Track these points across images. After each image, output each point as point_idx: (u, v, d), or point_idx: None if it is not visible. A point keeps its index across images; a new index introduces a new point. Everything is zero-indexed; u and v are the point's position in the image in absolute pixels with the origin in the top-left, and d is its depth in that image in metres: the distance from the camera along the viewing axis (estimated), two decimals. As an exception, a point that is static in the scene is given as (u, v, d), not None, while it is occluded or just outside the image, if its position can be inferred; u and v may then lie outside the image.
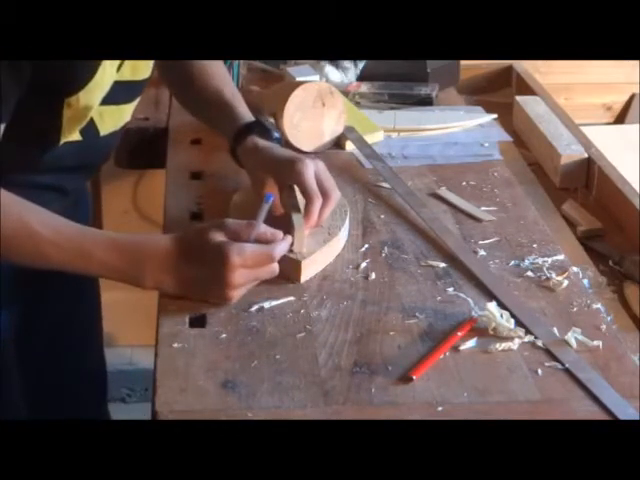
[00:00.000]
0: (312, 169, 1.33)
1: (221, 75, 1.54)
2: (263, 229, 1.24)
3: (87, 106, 1.27)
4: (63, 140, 1.30)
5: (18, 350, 1.46)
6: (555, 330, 1.20)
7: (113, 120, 1.36)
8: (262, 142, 1.42)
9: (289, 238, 1.26)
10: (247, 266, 1.20)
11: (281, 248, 1.24)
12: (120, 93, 1.32)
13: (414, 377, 1.11)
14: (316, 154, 1.63)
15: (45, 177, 1.35)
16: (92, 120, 1.32)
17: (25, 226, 1.19)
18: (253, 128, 1.44)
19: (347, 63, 1.87)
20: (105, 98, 1.29)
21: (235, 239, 1.21)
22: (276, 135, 1.46)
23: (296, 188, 1.35)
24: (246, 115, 1.47)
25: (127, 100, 1.37)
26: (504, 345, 1.17)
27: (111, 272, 1.21)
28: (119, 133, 1.40)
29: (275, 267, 1.23)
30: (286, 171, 1.35)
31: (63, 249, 1.20)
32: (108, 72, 1.26)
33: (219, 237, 1.21)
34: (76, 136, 1.32)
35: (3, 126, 1.19)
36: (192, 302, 1.23)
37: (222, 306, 1.22)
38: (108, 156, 1.45)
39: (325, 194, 1.33)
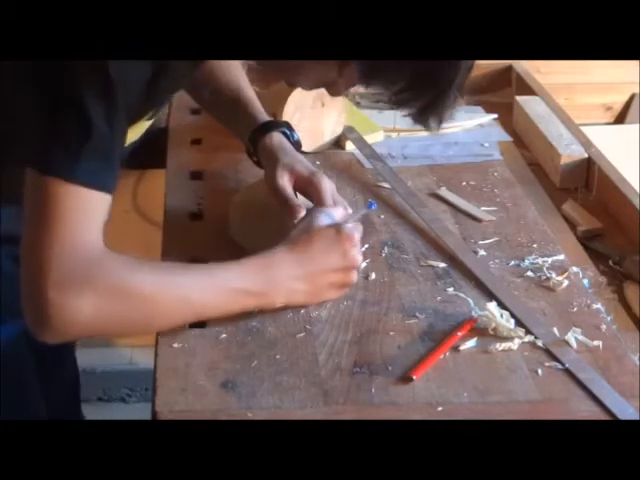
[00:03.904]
0: (330, 185, 1.35)
1: (239, 74, 1.54)
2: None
3: None
4: None
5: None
6: (555, 330, 1.20)
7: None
8: (286, 142, 1.43)
9: None
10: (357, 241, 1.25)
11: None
12: None
13: (414, 377, 1.11)
14: (316, 154, 1.63)
15: None
16: None
17: (182, 297, 1.14)
18: (279, 125, 1.45)
19: None
20: None
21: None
22: (296, 136, 1.46)
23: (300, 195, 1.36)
24: (264, 114, 1.48)
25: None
26: (504, 345, 1.17)
27: (249, 299, 1.19)
28: None
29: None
30: (305, 183, 1.36)
31: (208, 296, 1.17)
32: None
33: (324, 221, 1.25)
34: None
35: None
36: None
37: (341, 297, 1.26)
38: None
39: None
